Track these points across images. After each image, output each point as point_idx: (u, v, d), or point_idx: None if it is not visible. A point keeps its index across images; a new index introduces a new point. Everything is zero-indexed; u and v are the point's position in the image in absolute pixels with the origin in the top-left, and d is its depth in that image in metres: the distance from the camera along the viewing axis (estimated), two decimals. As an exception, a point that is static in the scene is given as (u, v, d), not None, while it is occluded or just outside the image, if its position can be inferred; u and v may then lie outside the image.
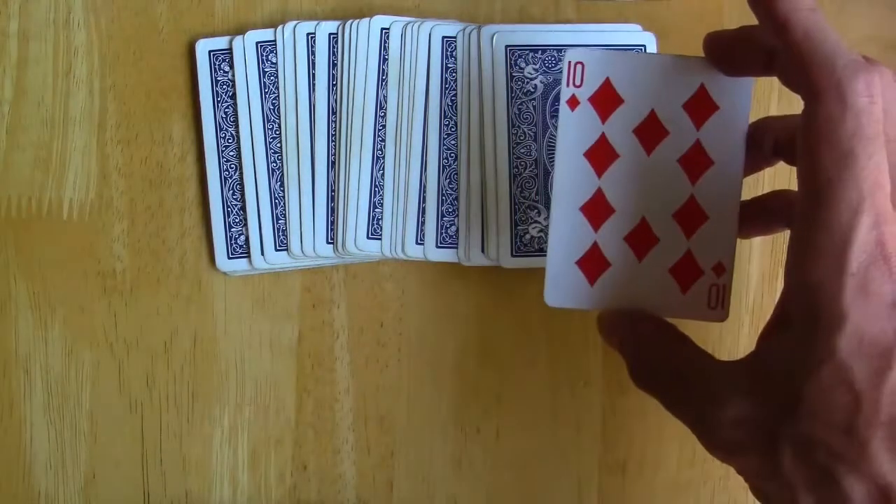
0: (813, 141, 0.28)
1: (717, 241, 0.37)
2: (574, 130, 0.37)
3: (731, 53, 0.34)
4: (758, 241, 0.43)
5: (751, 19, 0.43)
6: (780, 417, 0.28)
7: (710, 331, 0.43)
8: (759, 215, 0.38)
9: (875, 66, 0.28)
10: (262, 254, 0.42)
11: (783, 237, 0.43)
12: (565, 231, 0.37)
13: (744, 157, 0.36)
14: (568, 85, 0.36)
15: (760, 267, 0.43)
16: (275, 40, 0.42)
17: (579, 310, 0.37)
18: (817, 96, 0.28)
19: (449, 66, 0.42)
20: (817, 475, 0.28)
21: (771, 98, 0.43)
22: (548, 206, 0.41)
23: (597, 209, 0.37)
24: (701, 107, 0.37)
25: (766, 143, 0.36)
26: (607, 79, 0.36)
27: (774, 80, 0.43)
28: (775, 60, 0.32)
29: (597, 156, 0.37)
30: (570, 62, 0.36)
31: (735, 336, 0.43)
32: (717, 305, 0.37)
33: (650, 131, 0.37)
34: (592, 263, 0.37)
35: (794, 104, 0.43)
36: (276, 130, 0.42)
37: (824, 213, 0.27)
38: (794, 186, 0.43)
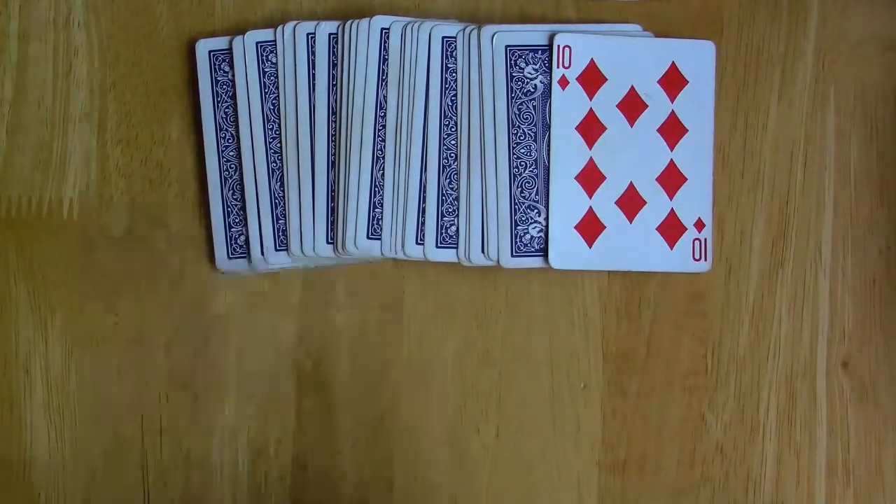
0: None
1: (695, 200, 0.41)
2: (566, 107, 0.41)
3: None
4: (758, 242, 0.43)
5: (750, 21, 0.43)
6: None
7: (710, 331, 0.43)
8: None
9: None
10: (262, 254, 0.42)
11: (783, 237, 0.43)
12: (564, 199, 0.41)
13: (713, 122, 0.41)
14: (557, 66, 0.41)
15: (760, 267, 0.43)
16: (275, 40, 0.42)
17: (581, 271, 0.41)
18: None
19: (449, 66, 0.42)
20: None
21: (771, 99, 0.43)
22: (547, 206, 0.41)
23: (590, 177, 0.41)
24: (673, 81, 0.41)
25: None
26: (592, 60, 0.41)
27: (773, 83, 0.43)
28: None
29: (587, 129, 0.41)
30: (558, 45, 0.40)
31: (735, 336, 0.43)
32: (702, 257, 0.41)
33: (632, 105, 0.41)
34: (589, 227, 0.41)
35: (794, 103, 0.43)
36: (276, 130, 0.42)
37: None
38: (801, 186, 0.43)
